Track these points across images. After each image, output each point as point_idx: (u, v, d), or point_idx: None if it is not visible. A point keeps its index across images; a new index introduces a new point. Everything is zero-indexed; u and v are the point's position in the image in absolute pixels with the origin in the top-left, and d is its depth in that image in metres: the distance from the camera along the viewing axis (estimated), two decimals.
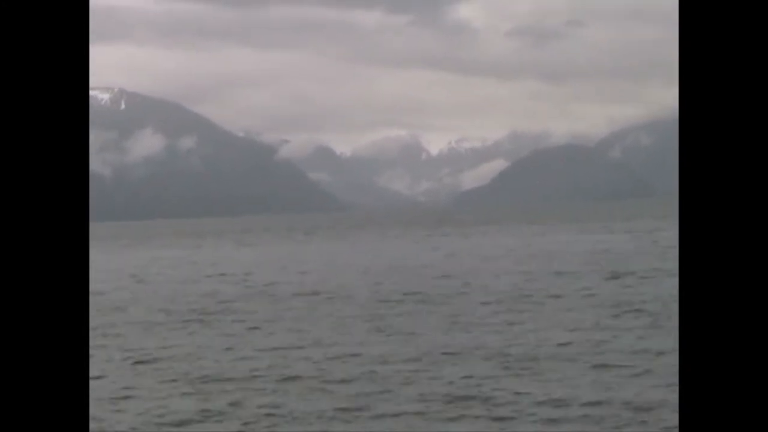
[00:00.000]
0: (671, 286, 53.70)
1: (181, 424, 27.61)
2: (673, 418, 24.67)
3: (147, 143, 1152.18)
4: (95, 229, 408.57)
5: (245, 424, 27.15)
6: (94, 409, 27.60)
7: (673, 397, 26.40)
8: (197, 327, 48.17)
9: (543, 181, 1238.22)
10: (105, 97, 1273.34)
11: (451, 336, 41.23)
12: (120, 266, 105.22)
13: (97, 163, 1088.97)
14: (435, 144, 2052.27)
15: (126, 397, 31.37)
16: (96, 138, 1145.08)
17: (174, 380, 33.88)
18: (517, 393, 29.36)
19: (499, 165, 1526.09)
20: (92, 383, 32.55)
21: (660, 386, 29.46)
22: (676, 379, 22.49)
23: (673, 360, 30.19)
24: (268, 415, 27.94)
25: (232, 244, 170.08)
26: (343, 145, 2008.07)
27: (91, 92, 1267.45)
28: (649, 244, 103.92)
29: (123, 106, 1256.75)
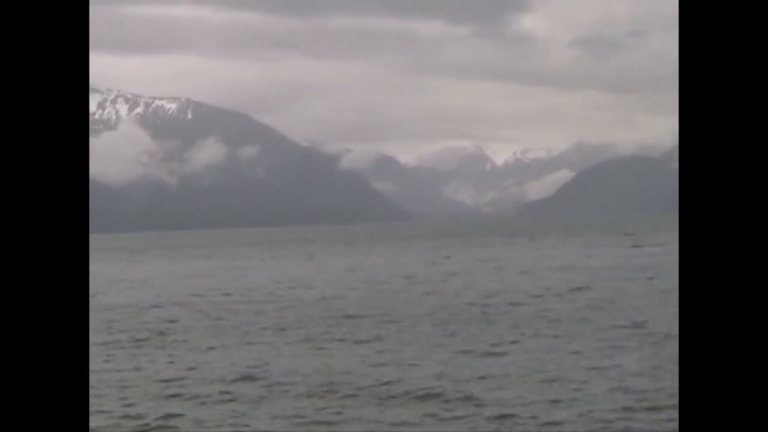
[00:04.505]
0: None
1: None
2: None
3: (209, 152, 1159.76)
4: (162, 239, 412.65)
5: None
6: None
7: None
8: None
9: (608, 192, 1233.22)
10: (172, 107, 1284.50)
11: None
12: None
13: (163, 172, 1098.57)
14: (500, 154, 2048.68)
15: None
16: (159, 147, 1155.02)
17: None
18: None
19: (564, 176, 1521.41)
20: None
21: None
22: None
23: None
24: None
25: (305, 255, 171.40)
26: (407, 156, 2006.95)
27: (158, 102, 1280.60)
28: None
29: (189, 115, 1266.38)
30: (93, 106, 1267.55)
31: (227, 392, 33.59)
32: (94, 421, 28.59)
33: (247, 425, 28.88)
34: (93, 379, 36.64)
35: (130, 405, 32.11)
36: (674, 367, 35.63)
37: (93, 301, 70.04)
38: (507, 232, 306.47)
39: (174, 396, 33.42)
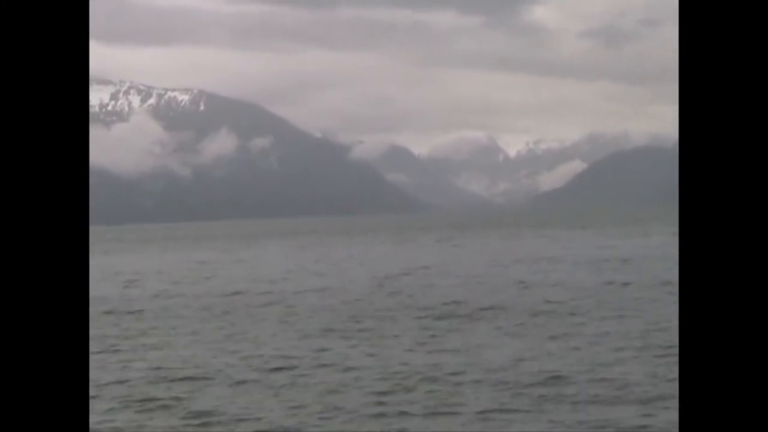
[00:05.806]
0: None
1: None
2: None
3: (221, 143, 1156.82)
4: (177, 230, 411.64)
5: None
6: None
7: None
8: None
9: (621, 182, 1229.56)
10: (184, 98, 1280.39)
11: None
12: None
13: (175, 164, 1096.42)
14: (512, 145, 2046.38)
15: None
16: (172, 138, 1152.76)
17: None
18: None
19: (576, 166, 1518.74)
20: None
21: None
22: None
23: None
24: None
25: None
26: (420, 147, 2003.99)
27: (171, 93, 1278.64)
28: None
29: (202, 107, 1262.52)
30: (105, 97, 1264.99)
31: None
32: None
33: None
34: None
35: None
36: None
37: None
38: (532, 223, 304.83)
39: None
